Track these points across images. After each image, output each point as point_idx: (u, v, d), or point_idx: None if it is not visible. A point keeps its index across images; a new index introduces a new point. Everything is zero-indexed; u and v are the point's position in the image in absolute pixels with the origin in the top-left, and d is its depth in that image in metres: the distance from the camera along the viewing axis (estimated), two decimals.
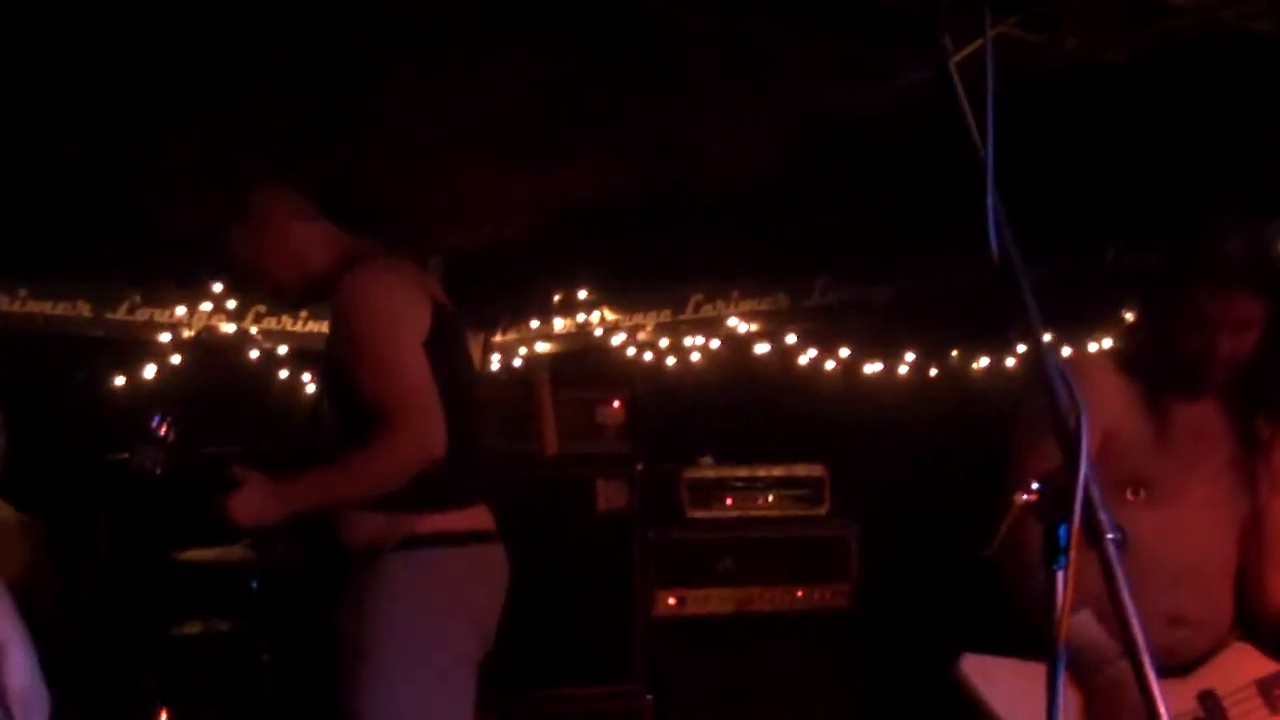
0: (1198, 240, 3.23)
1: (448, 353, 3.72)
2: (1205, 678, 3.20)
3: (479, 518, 3.74)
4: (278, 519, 3.65)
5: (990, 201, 1.69)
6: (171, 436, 3.64)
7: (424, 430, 3.52)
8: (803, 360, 7.52)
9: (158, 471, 3.67)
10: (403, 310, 3.66)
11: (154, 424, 3.60)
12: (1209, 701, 3.15)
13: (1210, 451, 3.28)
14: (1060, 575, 1.77)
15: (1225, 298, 3.11)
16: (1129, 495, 3.24)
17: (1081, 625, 2.99)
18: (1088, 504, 1.74)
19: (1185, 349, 3.17)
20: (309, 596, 4.93)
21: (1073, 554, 1.76)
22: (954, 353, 7.42)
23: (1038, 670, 2.98)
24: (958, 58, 1.88)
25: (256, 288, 4.10)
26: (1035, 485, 1.78)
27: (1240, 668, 3.22)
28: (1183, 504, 3.25)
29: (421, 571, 3.60)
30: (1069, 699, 3.02)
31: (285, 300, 4.18)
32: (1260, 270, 3.13)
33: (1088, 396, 3.07)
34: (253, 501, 3.60)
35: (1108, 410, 3.21)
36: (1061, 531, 1.75)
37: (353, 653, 3.55)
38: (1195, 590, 3.25)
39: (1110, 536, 1.75)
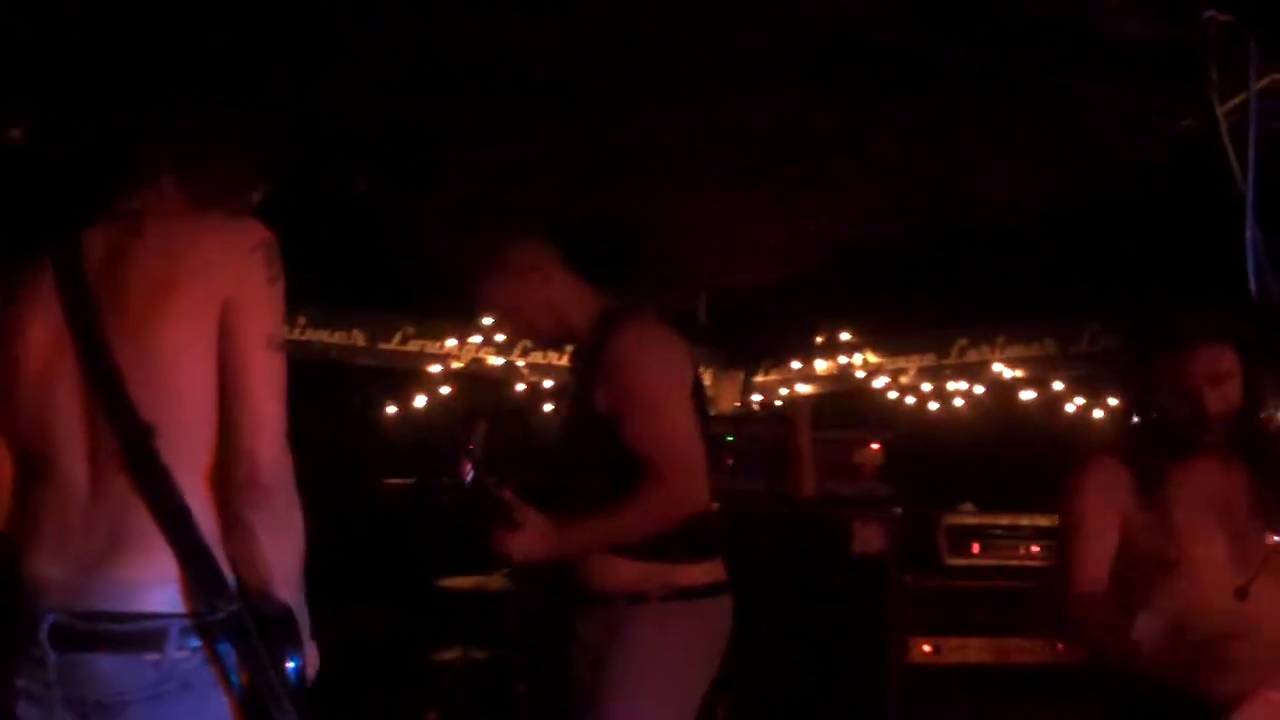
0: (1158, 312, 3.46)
1: (701, 405, 3.82)
2: None
3: (720, 569, 3.83)
4: (547, 558, 3.74)
5: (1250, 237, 1.67)
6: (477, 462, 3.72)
7: (695, 484, 3.64)
8: (1069, 408, 7.39)
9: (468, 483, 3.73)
10: (676, 365, 3.78)
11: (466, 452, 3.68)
12: None
13: (1224, 509, 3.36)
14: None
15: (1197, 354, 3.19)
16: (1157, 577, 3.40)
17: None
18: None
19: (1175, 415, 3.29)
20: (544, 633, 5.03)
21: None
22: None
23: None
24: (1227, 106, 1.87)
25: (510, 329, 4.22)
26: None
27: None
28: (1213, 567, 3.34)
29: (686, 621, 3.70)
30: None
31: (535, 342, 4.25)
32: (1224, 322, 3.13)
33: (1098, 494, 3.42)
34: (529, 540, 3.67)
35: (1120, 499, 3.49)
36: None
37: (615, 693, 3.61)
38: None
39: None
